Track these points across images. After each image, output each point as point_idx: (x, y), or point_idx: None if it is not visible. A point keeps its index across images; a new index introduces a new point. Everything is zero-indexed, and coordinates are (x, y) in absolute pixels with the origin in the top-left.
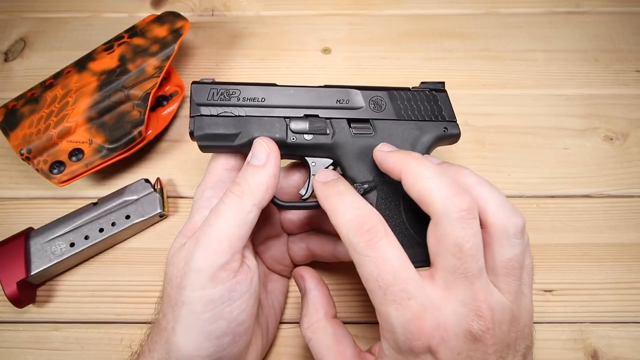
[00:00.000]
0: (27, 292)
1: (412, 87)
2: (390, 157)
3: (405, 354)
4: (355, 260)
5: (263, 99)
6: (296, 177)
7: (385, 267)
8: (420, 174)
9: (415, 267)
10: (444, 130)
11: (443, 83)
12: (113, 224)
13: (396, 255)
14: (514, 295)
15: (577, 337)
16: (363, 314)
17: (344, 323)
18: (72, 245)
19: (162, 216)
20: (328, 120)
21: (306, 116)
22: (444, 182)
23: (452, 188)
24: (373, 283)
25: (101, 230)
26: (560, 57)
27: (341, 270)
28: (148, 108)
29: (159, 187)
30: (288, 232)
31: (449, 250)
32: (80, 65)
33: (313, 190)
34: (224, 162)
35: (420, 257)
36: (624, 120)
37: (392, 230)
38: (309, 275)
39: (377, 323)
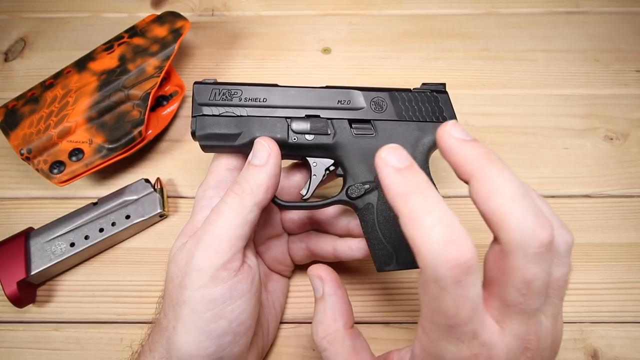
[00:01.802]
0: (27, 292)
1: (413, 88)
2: (463, 150)
3: None
4: (427, 289)
5: (265, 99)
6: (297, 177)
7: (465, 306)
8: (500, 190)
9: (416, 268)
10: None
11: (444, 84)
12: (113, 224)
13: (479, 294)
14: (555, 317)
15: (577, 337)
16: (362, 314)
17: None
18: (72, 245)
19: (162, 216)
20: (329, 121)
21: (307, 116)
22: (527, 206)
23: (536, 217)
24: (443, 319)
25: (101, 230)
26: (560, 57)
27: (341, 269)
28: (148, 108)
29: (159, 187)
30: (289, 232)
31: (515, 286)
32: (80, 65)
33: (314, 191)
34: (226, 162)
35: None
36: (624, 120)
37: (393, 231)
38: (328, 278)
39: (375, 323)
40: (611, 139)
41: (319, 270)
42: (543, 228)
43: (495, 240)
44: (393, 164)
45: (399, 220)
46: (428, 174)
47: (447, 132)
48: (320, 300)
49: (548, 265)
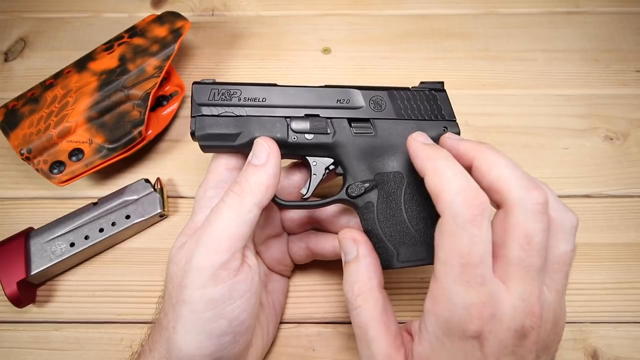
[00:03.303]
0: (27, 292)
1: (412, 87)
2: (462, 144)
3: (451, 336)
4: (445, 229)
5: (264, 99)
6: (297, 176)
7: (478, 247)
8: (497, 162)
9: (417, 265)
10: (444, 130)
11: (442, 83)
12: (113, 224)
13: (489, 240)
14: (559, 294)
15: (577, 337)
16: None
17: (345, 323)
18: (72, 245)
19: (162, 216)
20: (329, 120)
21: (307, 116)
22: (520, 173)
23: (529, 180)
24: (456, 258)
25: (101, 230)
26: (560, 57)
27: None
28: (148, 108)
29: (159, 187)
30: (289, 231)
31: (517, 241)
32: (81, 65)
33: (314, 190)
34: (225, 162)
35: (421, 255)
36: (624, 120)
37: (394, 229)
38: (362, 240)
39: None
40: (611, 139)
41: (352, 233)
42: (537, 188)
43: (498, 206)
44: (423, 140)
45: (424, 178)
46: None
47: (447, 137)
48: (354, 261)
49: (544, 225)
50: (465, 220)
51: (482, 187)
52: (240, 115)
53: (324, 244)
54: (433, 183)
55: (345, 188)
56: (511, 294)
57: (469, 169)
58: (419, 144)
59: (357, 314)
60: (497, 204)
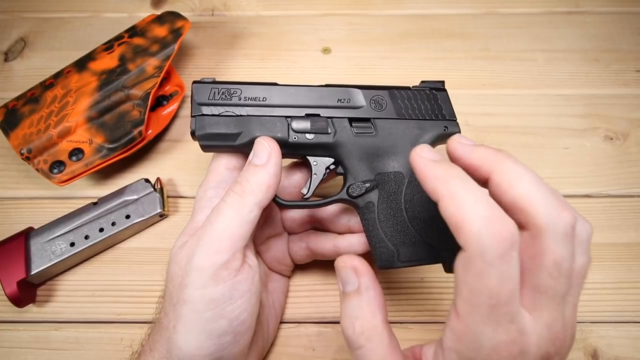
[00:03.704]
0: (27, 292)
1: (413, 86)
2: (476, 152)
3: None
4: (470, 266)
5: (264, 99)
6: (298, 176)
7: (508, 285)
8: (520, 176)
9: (417, 265)
10: (444, 129)
11: (443, 82)
12: (113, 224)
13: (518, 273)
14: (575, 308)
15: (577, 336)
16: None
17: None
18: (72, 245)
19: (162, 216)
20: (329, 120)
21: (307, 115)
22: (547, 190)
23: (557, 198)
24: (484, 298)
25: (101, 230)
26: (560, 57)
27: None
28: (148, 108)
29: (159, 186)
30: (289, 231)
31: (547, 269)
32: (81, 65)
33: (315, 190)
34: (226, 162)
35: (421, 255)
36: (624, 120)
37: (394, 229)
38: (365, 270)
39: None
40: (611, 138)
41: (353, 262)
42: (567, 209)
43: (522, 228)
44: (429, 156)
45: (438, 204)
46: None
47: (454, 139)
48: (354, 294)
49: (572, 248)
50: (495, 256)
51: (502, 206)
52: (241, 115)
53: (324, 244)
54: (451, 210)
55: (345, 188)
56: (537, 324)
57: (485, 182)
58: (425, 160)
59: (360, 354)
60: (519, 224)
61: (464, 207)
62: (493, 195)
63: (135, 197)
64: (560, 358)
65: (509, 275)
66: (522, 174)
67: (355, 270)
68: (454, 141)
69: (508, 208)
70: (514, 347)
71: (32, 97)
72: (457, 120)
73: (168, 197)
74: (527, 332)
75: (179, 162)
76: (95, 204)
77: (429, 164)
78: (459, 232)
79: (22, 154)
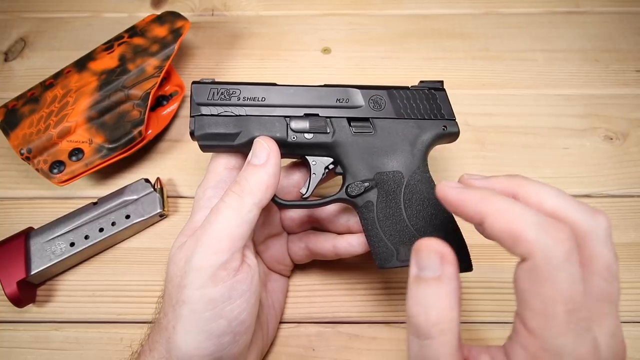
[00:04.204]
0: (27, 292)
1: (412, 86)
2: (494, 182)
3: None
4: (540, 274)
5: (263, 99)
6: (297, 176)
7: (579, 286)
8: (544, 192)
9: None
10: (443, 129)
11: (442, 82)
12: (113, 224)
13: (582, 277)
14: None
15: None
16: (364, 313)
17: (344, 323)
18: (72, 245)
19: (162, 216)
20: (328, 119)
21: (306, 115)
22: (573, 199)
23: (587, 206)
24: (560, 306)
25: (101, 230)
26: (560, 57)
27: (341, 268)
28: (148, 108)
29: (159, 186)
30: (288, 230)
31: (601, 274)
32: (80, 65)
33: (314, 189)
34: (225, 162)
35: None
36: (624, 120)
37: (393, 228)
38: (452, 258)
39: (377, 323)
40: (611, 138)
41: (439, 246)
42: (600, 213)
43: (523, 261)
44: (458, 186)
45: (485, 222)
46: (427, 171)
47: (469, 180)
48: (433, 281)
49: (615, 250)
50: (562, 258)
51: (497, 239)
52: (240, 115)
53: (324, 244)
54: (502, 224)
55: (344, 187)
56: (604, 334)
57: (480, 221)
58: (457, 190)
59: (427, 345)
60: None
61: (516, 218)
62: (488, 235)
63: (135, 197)
64: None
65: (578, 276)
66: (546, 189)
67: (442, 257)
68: (467, 180)
69: (505, 242)
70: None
71: (32, 97)
72: (457, 120)
73: (168, 197)
74: (599, 343)
75: (178, 162)
76: (95, 204)
77: (462, 191)
78: (516, 243)
79: (22, 154)
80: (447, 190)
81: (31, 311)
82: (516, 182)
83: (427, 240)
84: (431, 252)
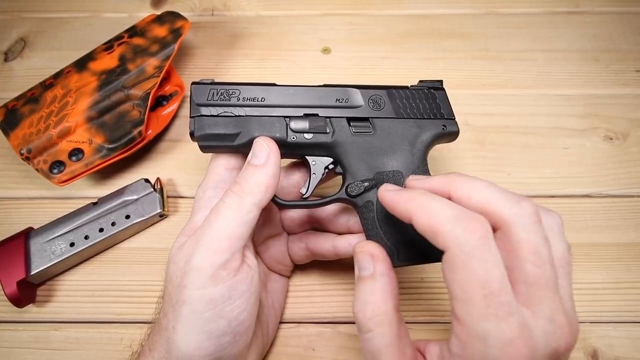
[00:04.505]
0: (27, 292)
1: (411, 86)
2: (431, 181)
3: None
4: (454, 263)
5: (263, 99)
6: (297, 176)
7: (495, 272)
8: (474, 186)
9: (416, 264)
10: (443, 128)
11: (441, 81)
12: (113, 224)
13: (502, 262)
14: (571, 299)
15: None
16: None
17: (344, 323)
18: (72, 245)
19: (162, 216)
20: (328, 119)
21: (306, 115)
22: (501, 190)
23: (512, 194)
24: (476, 291)
25: (101, 230)
26: (560, 57)
27: (341, 268)
28: (148, 108)
29: (159, 186)
30: (288, 231)
31: (528, 259)
32: (80, 65)
33: (314, 189)
34: (225, 162)
35: (420, 254)
36: (624, 120)
37: (393, 228)
38: (381, 257)
39: None
40: (611, 138)
41: (370, 247)
42: (525, 200)
43: (494, 230)
44: (393, 189)
45: (412, 220)
46: (426, 170)
47: (411, 180)
48: (369, 279)
49: (544, 234)
50: (473, 246)
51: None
52: (239, 115)
53: (324, 244)
54: (424, 220)
55: (344, 187)
56: (538, 318)
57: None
58: (391, 192)
59: (369, 338)
60: (491, 226)
61: (434, 213)
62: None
63: (135, 197)
64: (568, 353)
65: (492, 262)
66: (475, 184)
67: (372, 256)
68: (410, 181)
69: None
70: (521, 345)
71: (32, 97)
72: (456, 120)
73: (168, 197)
74: (530, 327)
75: (178, 162)
76: (95, 204)
77: (396, 193)
78: (436, 237)
79: (22, 154)
80: (384, 193)
81: (31, 311)
82: (450, 180)
83: (361, 243)
84: (364, 253)
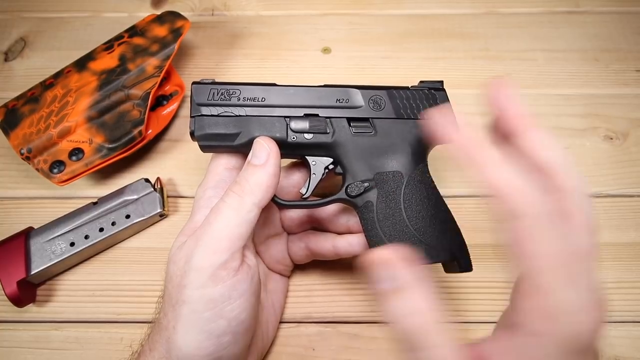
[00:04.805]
0: (27, 292)
1: (411, 86)
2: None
3: (573, 353)
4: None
5: (263, 99)
6: (297, 176)
7: (563, 243)
8: (543, 144)
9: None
10: None
11: (442, 82)
12: (113, 224)
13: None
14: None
15: None
16: (362, 313)
17: (344, 323)
18: (72, 244)
19: (162, 216)
20: (328, 120)
21: (306, 115)
22: (565, 156)
23: (570, 163)
24: (561, 257)
25: (101, 229)
26: (560, 57)
27: (341, 268)
28: (148, 107)
29: (159, 186)
30: (288, 231)
31: (586, 228)
32: (81, 64)
33: (314, 189)
34: (225, 162)
35: (420, 255)
36: (624, 120)
37: (393, 229)
38: (407, 260)
39: (376, 323)
40: (611, 138)
41: (387, 254)
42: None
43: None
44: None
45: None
46: (427, 171)
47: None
48: (400, 290)
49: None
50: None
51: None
52: (240, 115)
53: (324, 244)
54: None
55: (344, 187)
56: (583, 288)
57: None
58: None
59: (427, 357)
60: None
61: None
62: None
63: (135, 196)
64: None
65: (561, 232)
66: (544, 141)
67: (392, 264)
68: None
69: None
70: (598, 312)
71: (32, 97)
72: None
73: (168, 196)
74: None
75: (178, 161)
76: (95, 203)
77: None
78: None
79: (22, 154)
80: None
81: (31, 311)
82: (527, 123)
83: (374, 253)
84: (396, 263)
